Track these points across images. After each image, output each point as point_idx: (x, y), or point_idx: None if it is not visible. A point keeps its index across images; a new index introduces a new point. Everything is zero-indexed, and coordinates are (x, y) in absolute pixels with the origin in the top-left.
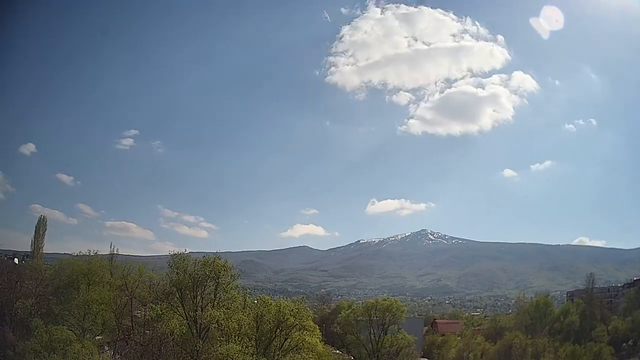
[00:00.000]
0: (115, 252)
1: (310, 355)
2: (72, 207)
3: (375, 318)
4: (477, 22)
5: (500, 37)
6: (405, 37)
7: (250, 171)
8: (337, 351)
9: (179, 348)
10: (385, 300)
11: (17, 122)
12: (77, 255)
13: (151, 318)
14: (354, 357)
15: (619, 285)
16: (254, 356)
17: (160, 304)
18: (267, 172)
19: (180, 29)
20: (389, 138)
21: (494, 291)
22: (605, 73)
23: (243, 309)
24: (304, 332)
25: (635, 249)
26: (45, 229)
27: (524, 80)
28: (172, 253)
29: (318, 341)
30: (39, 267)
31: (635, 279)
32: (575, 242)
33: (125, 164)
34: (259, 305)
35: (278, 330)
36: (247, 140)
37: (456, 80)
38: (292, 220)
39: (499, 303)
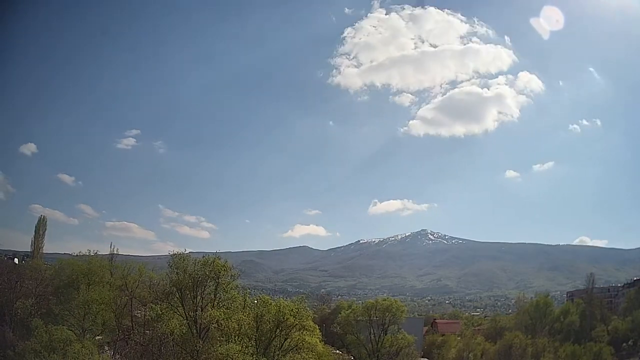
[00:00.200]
0: (115, 252)
1: (310, 355)
2: (73, 208)
3: (375, 318)
4: (483, 23)
5: (506, 38)
6: (412, 38)
7: (252, 172)
8: (337, 351)
9: (179, 348)
10: (385, 300)
11: (17, 122)
12: (77, 255)
13: (151, 318)
14: (354, 357)
15: (619, 285)
16: (254, 356)
17: (160, 304)
18: (269, 173)
19: (182, 29)
20: (392, 139)
21: (494, 291)
22: (606, 73)
23: (243, 309)
24: (304, 332)
25: (635, 249)
26: (45, 229)
27: (530, 81)
28: (172, 253)
29: (318, 341)
30: (39, 267)
31: (635, 279)
32: (576, 242)
33: (126, 164)
34: (259, 305)
35: (278, 330)
36: (249, 140)
37: (462, 82)
38: (294, 220)
39: (499, 303)
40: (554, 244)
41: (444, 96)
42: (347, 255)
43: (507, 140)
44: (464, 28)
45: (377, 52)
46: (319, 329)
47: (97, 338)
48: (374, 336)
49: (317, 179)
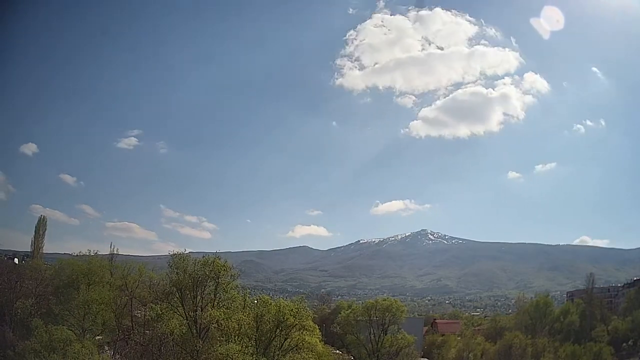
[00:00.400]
0: (115, 252)
1: (310, 355)
2: (74, 208)
3: (375, 318)
4: (490, 25)
5: (512, 40)
6: (419, 40)
7: (253, 172)
8: (337, 351)
9: (179, 348)
10: (385, 300)
11: (17, 122)
12: (77, 255)
13: (151, 318)
14: (353, 357)
15: (619, 285)
16: (254, 356)
17: (160, 304)
18: (270, 173)
19: (183, 29)
20: (395, 140)
21: (494, 291)
22: (609, 73)
23: (243, 309)
24: (304, 332)
25: (636, 249)
26: (45, 229)
27: (535, 81)
28: (172, 253)
29: (318, 341)
30: (39, 267)
31: (635, 279)
32: (576, 242)
33: (127, 164)
34: (258, 305)
35: (278, 330)
36: (250, 141)
37: (468, 83)
38: (295, 220)
39: (499, 303)
40: (554, 244)
41: (448, 97)
42: (347, 255)
43: (511, 141)
44: (472, 30)
45: (381, 53)
46: (319, 329)
47: (97, 338)
48: (374, 336)
49: (319, 180)
